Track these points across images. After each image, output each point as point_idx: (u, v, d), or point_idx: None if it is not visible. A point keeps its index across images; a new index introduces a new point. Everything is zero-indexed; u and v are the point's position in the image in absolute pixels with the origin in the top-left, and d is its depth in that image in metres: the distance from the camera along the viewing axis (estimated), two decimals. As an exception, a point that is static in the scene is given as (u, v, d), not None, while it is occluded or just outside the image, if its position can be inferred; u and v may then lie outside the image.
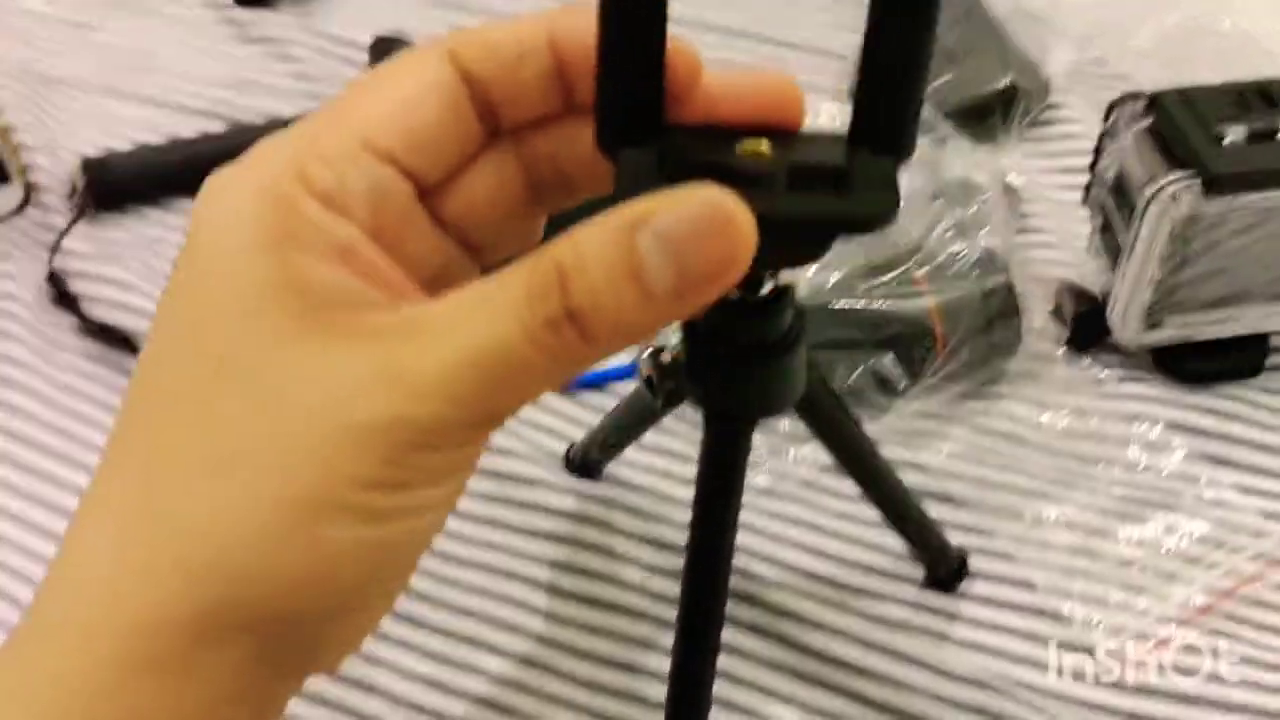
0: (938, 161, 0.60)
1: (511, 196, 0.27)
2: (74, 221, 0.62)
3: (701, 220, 0.22)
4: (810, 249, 0.26)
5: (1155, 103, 0.50)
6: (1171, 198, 0.48)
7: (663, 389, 0.35)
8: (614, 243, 0.22)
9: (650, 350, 0.35)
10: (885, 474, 0.44)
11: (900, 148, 0.25)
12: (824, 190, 0.25)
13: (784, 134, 0.25)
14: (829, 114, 0.64)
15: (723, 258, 0.22)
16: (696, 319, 0.34)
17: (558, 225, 0.28)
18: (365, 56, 0.70)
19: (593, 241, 0.22)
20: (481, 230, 0.27)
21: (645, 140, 0.25)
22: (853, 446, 0.42)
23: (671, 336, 0.40)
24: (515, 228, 0.28)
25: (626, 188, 0.24)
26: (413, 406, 0.22)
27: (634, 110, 0.25)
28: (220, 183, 0.24)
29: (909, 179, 0.58)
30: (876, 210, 0.24)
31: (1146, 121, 0.50)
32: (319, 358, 0.22)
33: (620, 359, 0.55)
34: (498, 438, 0.53)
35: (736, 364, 0.34)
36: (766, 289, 0.32)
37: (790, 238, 0.25)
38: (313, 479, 0.22)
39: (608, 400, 0.56)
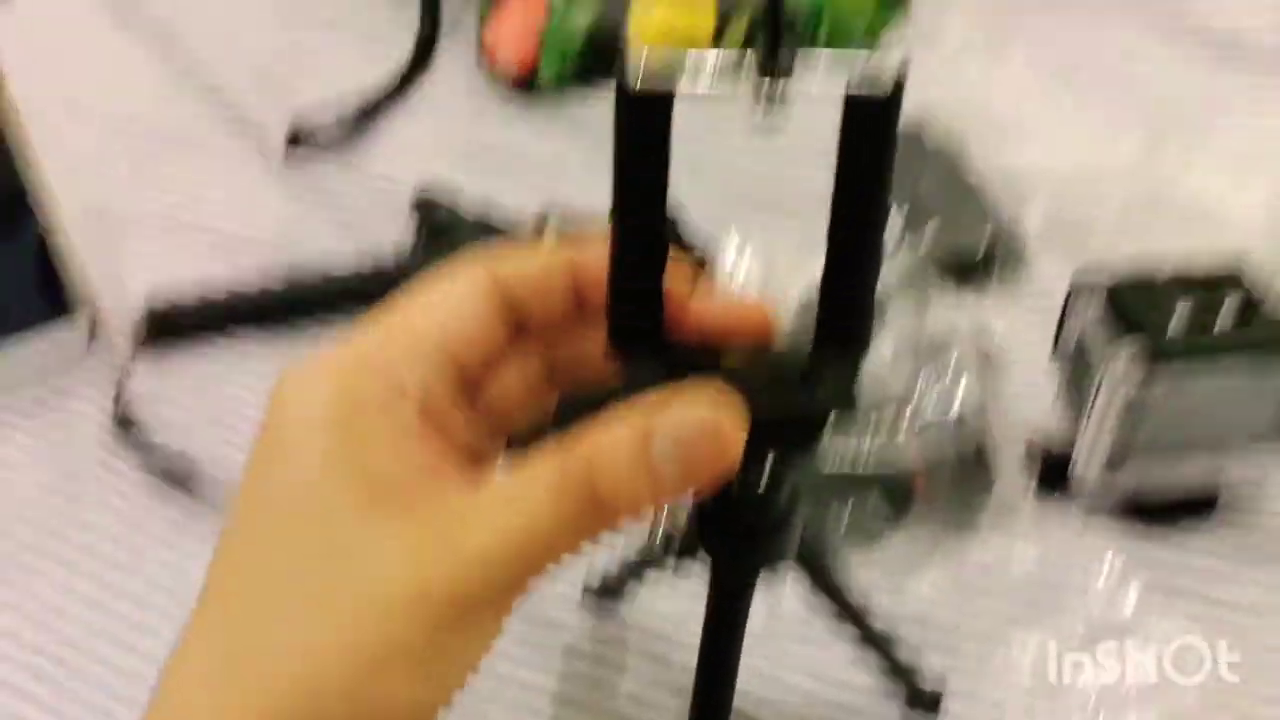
0: (921, 317, 0.66)
1: (534, 384, 0.33)
2: (136, 359, 0.68)
3: (702, 421, 0.28)
4: (797, 443, 0.32)
5: (1112, 278, 0.57)
6: (1124, 368, 0.54)
7: (678, 551, 0.41)
8: (632, 442, 0.28)
9: (665, 526, 0.41)
10: (867, 612, 0.50)
11: (858, 347, 0.31)
12: (793, 391, 0.31)
13: (761, 347, 0.32)
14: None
15: (719, 453, 0.28)
16: (706, 502, 0.40)
17: (567, 403, 0.35)
18: (405, 204, 0.76)
19: (613, 441, 0.28)
20: (507, 411, 0.33)
21: (648, 350, 0.31)
22: (838, 587, 0.48)
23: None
24: (535, 406, 0.34)
25: (635, 390, 0.30)
26: (460, 579, 0.27)
27: (639, 328, 0.31)
28: (295, 376, 0.29)
29: (894, 334, 0.64)
30: (836, 408, 0.31)
31: (1103, 296, 0.57)
32: (382, 535, 0.28)
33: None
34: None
35: (742, 540, 0.40)
36: (764, 483, 0.38)
37: (773, 431, 0.31)
38: (377, 635, 0.27)
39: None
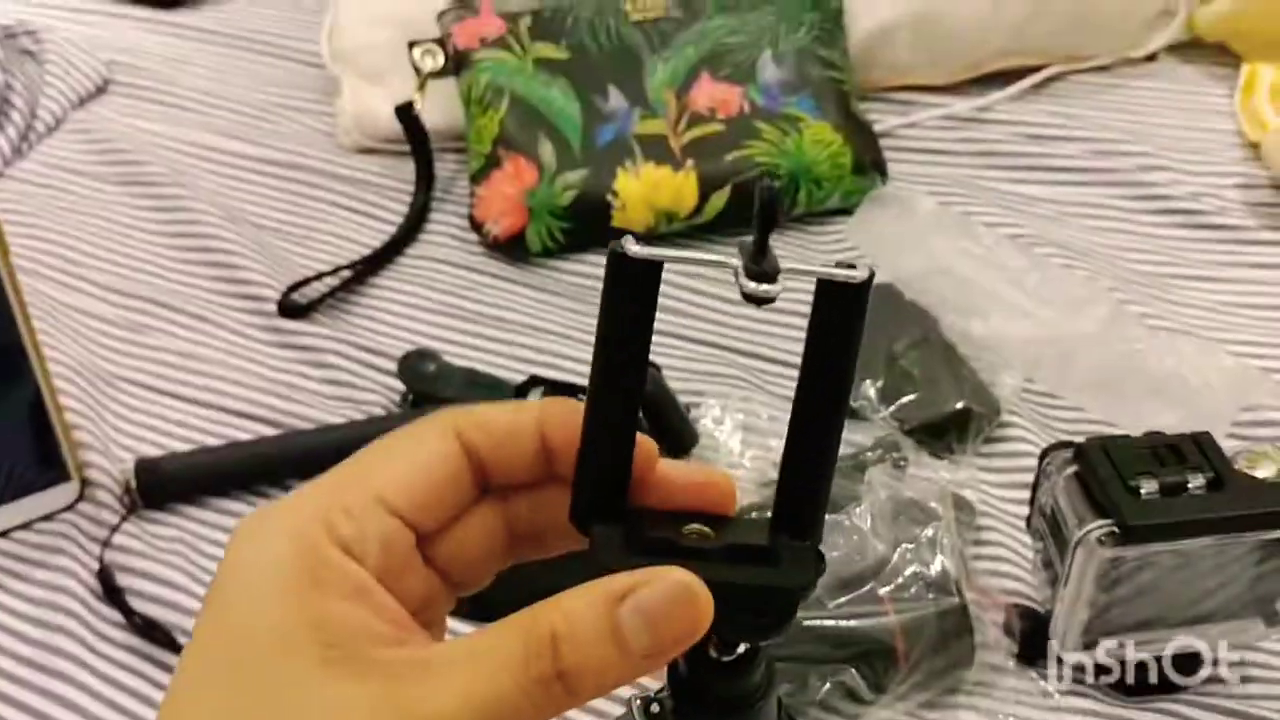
0: (899, 482, 0.67)
1: (494, 545, 0.33)
2: (124, 519, 0.69)
3: (672, 596, 0.28)
4: (766, 626, 0.32)
5: (1081, 452, 0.58)
6: (1097, 542, 0.55)
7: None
8: (600, 613, 0.27)
9: (641, 701, 0.41)
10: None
11: (812, 537, 0.31)
12: (755, 564, 0.31)
13: (721, 519, 0.32)
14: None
15: (688, 626, 0.28)
16: (682, 675, 0.40)
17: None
18: (394, 367, 0.78)
19: (581, 612, 0.27)
20: (464, 570, 0.32)
21: (611, 518, 0.31)
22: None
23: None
24: (492, 568, 0.33)
25: (599, 558, 0.30)
26: None
27: (603, 495, 0.31)
28: (254, 525, 0.29)
29: (872, 499, 0.65)
30: (800, 582, 0.31)
31: (1074, 467, 0.58)
32: (335, 696, 0.27)
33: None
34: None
35: (718, 715, 0.40)
36: (741, 648, 0.39)
37: (735, 607, 0.30)
38: None
39: (604, 703, 0.61)
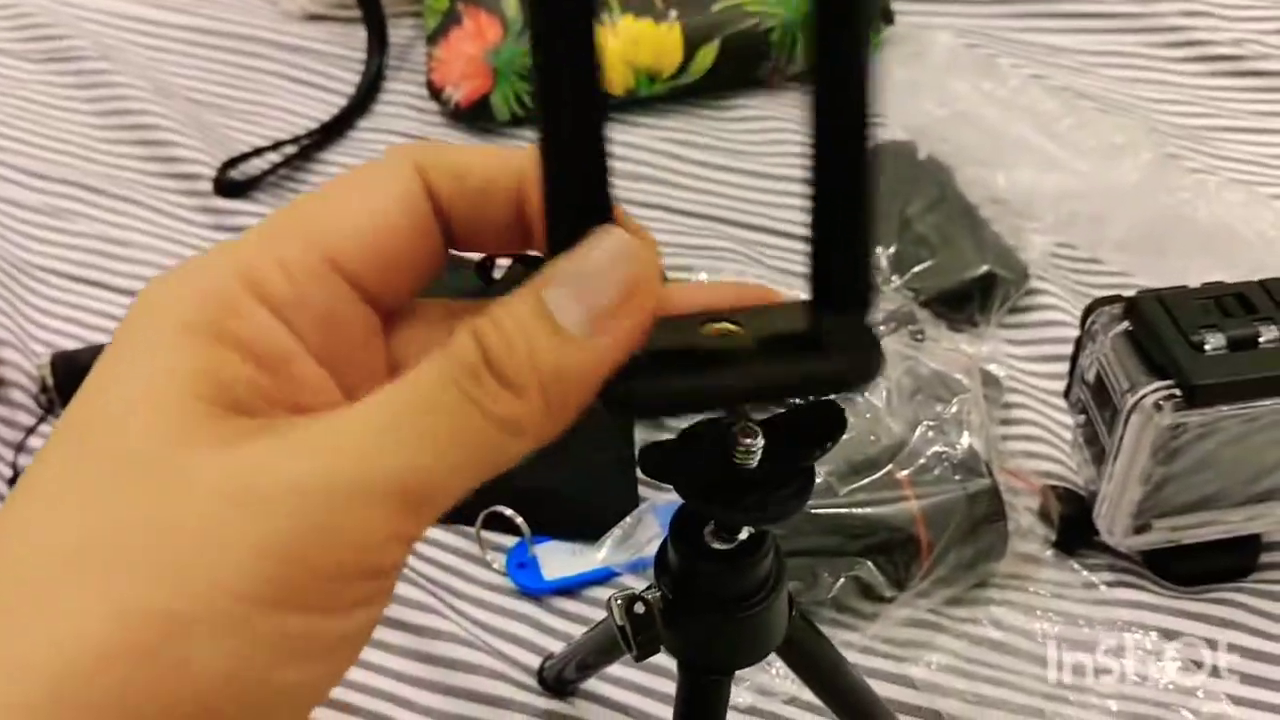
0: (917, 355, 0.59)
1: None
2: (41, 420, 0.61)
3: (600, 255, 0.22)
4: (808, 443, 0.27)
5: (1133, 306, 0.50)
6: (1154, 407, 0.47)
7: (637, 641, 0.34)
8: (522, 295, 0.22)
9: (623, 599, 0.34)
10: (870, 705, 0.42)
11: (863, 299, 0.24)
12: (798, 355, 0.24)
13: (746, 311, 0.25)
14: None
15: (625, 282, 0.22)
16: (673, 566, 0.33)
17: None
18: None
19: (504, 307, 0.22)
20: None
21: None
22: (835, 681, 0.40)
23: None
24: None
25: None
26: (333, 467, 0.21)
27: None
28: (164, 276, 0.23)
29: (887, 375, 0.57)
30: (856, 368, 0.24)
31: (1124, 325, 0.50)
32: (222, 457, 0.21)
33: (591, 566, 0.54)
34: (464, 652, 0.51)
35: (715, 616, 0.33)
36: (743, 534, 0.32)
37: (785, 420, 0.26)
38: (188, 591, 0.20)
39: (583, 608, 0.54)
